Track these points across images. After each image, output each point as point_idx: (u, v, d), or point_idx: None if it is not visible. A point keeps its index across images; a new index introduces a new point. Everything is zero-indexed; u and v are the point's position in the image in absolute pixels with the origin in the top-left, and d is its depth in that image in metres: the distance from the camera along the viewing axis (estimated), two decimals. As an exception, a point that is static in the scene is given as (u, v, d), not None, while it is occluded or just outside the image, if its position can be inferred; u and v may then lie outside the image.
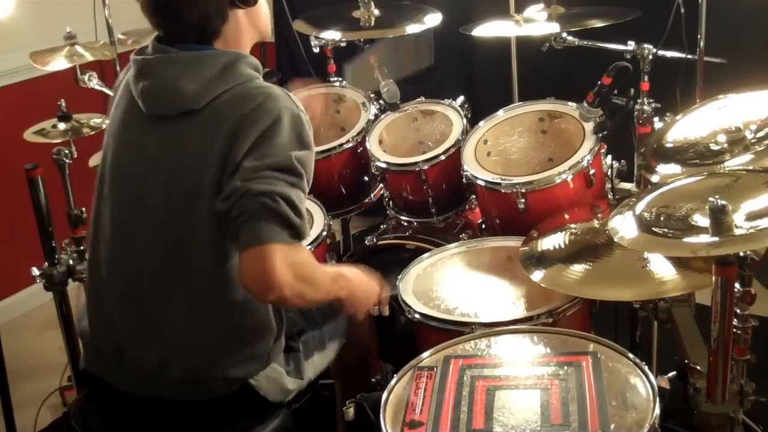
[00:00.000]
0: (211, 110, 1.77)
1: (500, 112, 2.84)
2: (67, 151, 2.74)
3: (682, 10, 2.66)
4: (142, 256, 1.84)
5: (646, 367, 1.76)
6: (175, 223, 1.80)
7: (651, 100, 2.60)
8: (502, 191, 2.54)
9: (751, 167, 2.01)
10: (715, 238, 1.66)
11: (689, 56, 2.68)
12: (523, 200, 2.48)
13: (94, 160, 3.13)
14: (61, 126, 2.96)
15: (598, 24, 2.69)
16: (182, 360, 1.83)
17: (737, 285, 1.72)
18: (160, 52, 1.84)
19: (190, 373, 1.84)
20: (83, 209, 2.70)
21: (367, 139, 2.93)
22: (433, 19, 3.14)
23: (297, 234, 1.69)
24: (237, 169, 1.71)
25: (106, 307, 1.91)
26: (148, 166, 1.83)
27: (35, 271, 2.56)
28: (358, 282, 1.98)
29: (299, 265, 1.70)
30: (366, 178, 3.03)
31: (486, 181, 2.57)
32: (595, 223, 2.29)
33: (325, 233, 2.59)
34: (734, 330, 1.75)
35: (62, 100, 2.98)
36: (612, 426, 1.61)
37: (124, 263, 1.87)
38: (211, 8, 1.81)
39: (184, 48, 1.83)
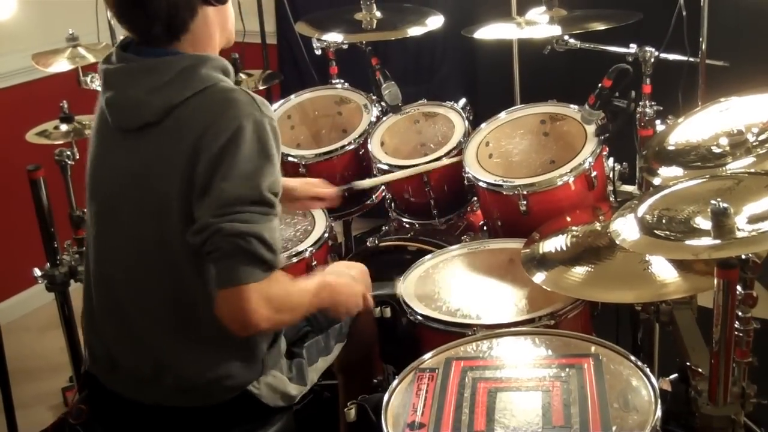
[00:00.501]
0: (172, 121, 1.73)
1: (502, 114, 2.84)
2: (69, 153, 2.75)
3: (684, 13, 2.66)
4: (118, 269, 1.84)
5: (647, 370, 1.76)
6: (146, 236, 1.78)
7: (653, 103, 2.60)
8: (504, 193, 2.54)
9: (753, 170, 2.01)
10: (717, 241, 1.66)
11: (691, 59, 2.68)
12: (524, 202, 2.48)
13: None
14: (63, 127, 2.96)
15: (600, 27, 2.69)
16: (174, 369, 1.83)
17: (739, 288, 1.72)
18: (122, 61, 1.80)
19: (184, 381, 1.83)
20: (84, 210, 2.70)
21: (369, 141, 2.93)
22: (435, 22, 3.14)
23: (270, 268, 1.70)
24: (206, 193, 1.68)
25: (96, 317, 1.92)
26: (117, 179, 1.82)
27: (37, 272, 2.57)
28: (340, 288, 2.02)
29: (275, 298, 1.71)
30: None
31: (488, 183, 2.57)
32: (597, 226, 2.29)
33: (326, 235, 2.59)
34: (736, 332, 1.75)
35: (64, 101, 2.99)
36: (613, 428, 1.61)
37: (105, 275, 1.88)
38: (184, 6, 1.74)
39: (148, 53, 1.77)
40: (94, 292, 1.91)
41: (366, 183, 2.73)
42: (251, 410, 1.90)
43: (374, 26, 3.20)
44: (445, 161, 2.71)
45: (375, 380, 2.46)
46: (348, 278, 2.11)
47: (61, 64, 3.03)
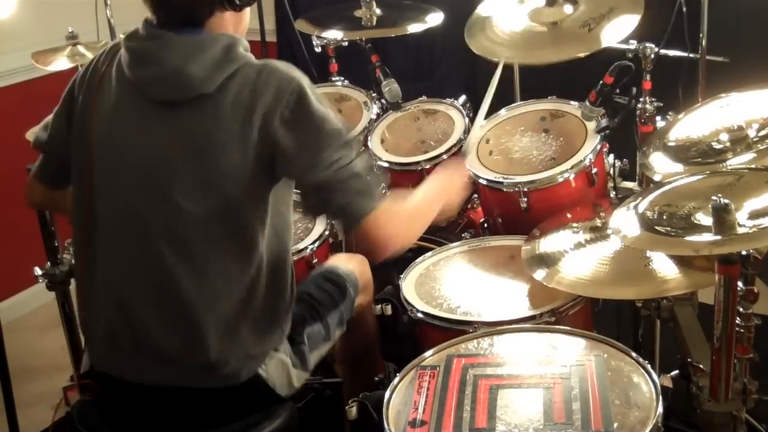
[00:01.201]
0: (226, 94, 1.78)
1: (502, 111, 2.84)
2: (69, 151, 2.74)
3: (684, 9, 2.66)
4: (159, 240, 1.82)
5: (648, 366, 1.76)
6: (193, 207, 1.79)
7: (653, 99, 2.60)
8: (505, 190, 2.54)
9: (753, 165, 2.01)
10: (718, 237, 1.66)
11: (691, 55, 2.67)
12: (525, 199, 2.48)
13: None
14: (63, 126, 2.95)
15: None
16: (203, 345, 1.82)
17: (740, 284, 1.72)
18: (155, 38, 1.82)
19: (216, 357, 1.83)
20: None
21: (369, 138, 2.93)
22: (435, 18, 3.14)
23: (380, 194, 1.87)
24: (297, 151, 1.79)
25: (127, 296, 1.87)
26: (163, 152, 1.80)
27: (38, 271, 2.56)
28: (450, 188, 2.24)
29: (394, 216, 1.89)
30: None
31: (488, 180, 2.57)
32: (598, 222, 2.29)
33: (327, 233, 2.59)
34: (737, 329, 1.75)
35: (64, 100, 2.98)
36: (615, 425, 1.61)
37: (140, 249, 1.84)
38: (204, 3, 1.81)
39: (177, 32, 1.81)
40: (117, 270, 1.87)
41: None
42: (258, 397, 1.91)
43: (374, 23, 3.20)
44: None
45: (376, 378, 2.46)
46: (450, 178, 2.28)
47: (61, 63, 3.03)
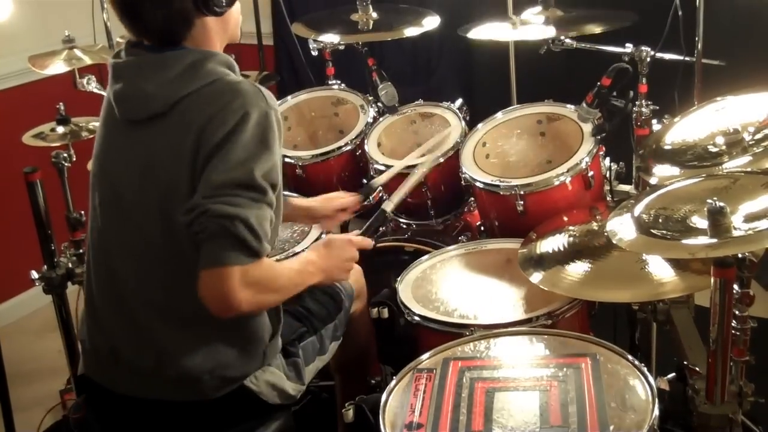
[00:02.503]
0: (179, 112, 1.76)
1: (499, 115, 2.84)
2: (65, 155, 2.75)
3: (680, 13, 2.67)
4: (121, 258, 1.86)
5: (645, 369, 1.76)
6: (151, 226, 1.80)
7: (649, 102, 2.60)
8: (501, 193, 2.54)
9: (749, 169, 2.01)
10: (714, 240, 1.66)
11: (687, 58, 2.68)
12: (521, 202, 2.49)
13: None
14: (60, 129, 2.96)
15: (596, 27, 2.70)
16: (176, 359, 1.83)
17: (736, 286, 1.72)
18: (132, 56, 1.84)
19: (186, 373, 1.83)
20: (82, 212, 2.70)
21: (365, 141, 2.93)
22: (432, 22, 3.15)
23: (255, 254, 1.70)
24: (202, 173, 1.71)
25: (98, 309, 1.92)
26: (123, 170, 1.84)
27: (34, 275, 2.56)
28: (324, 258, 2.00)
29: (257, 280, 1.72)
30: (365, 181, 3.03)
31: (485, 183, 2.57)
32: (594, 225, 2.29)
33: (323, 236, 2.59)
34: (733, 331, 1.75)
35: (61, 103, 2.99)
36: (611, 427, 1.61)
37: (108, 265, 1.89)
38: (176, 14, 1.78)
39: (155, 50, 1.81)
40: (95, 286, 1.92)
41: (381, 178, 2.60)
42: (250, 407, 1.90)
43: (370, 27, 3.20)
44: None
45: (373, 381, 2.46)
46: (329, 241, 2.07)
47: (58, 66, 3.03)
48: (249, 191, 1.69)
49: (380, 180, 2.60)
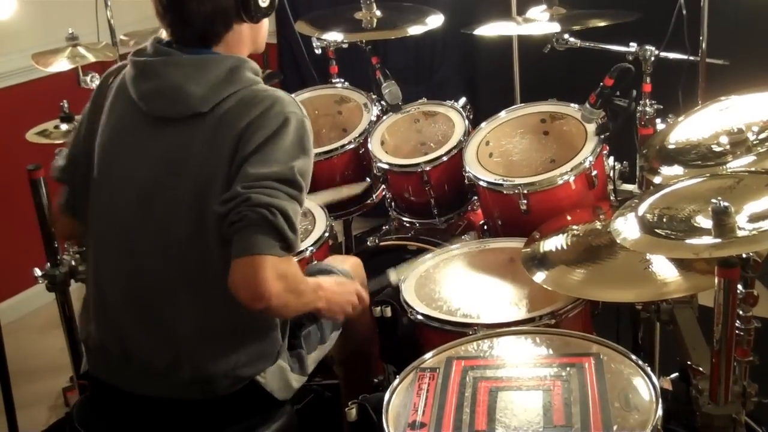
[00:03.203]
0: (219, 113, 1.79)
1: (502, 114, 2.84)
2: (69, 152, 2.74)
3: (684, 12, 2.66)
4: (146, 258, 1.84)
5: (648, 369, 1.76)
6: (179, 224, 1.80)
7: (653, 102, 2.60)
8: (504, 192, 2.54)
9: (753, 169, 2.01)
10: (718, 240, 1.66)
11: (691, 58, 2.68)
12: (525, 201, 2.48)
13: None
14: (63, 127, 2.96)
15: (600, 25, 2.69)
16: (193, 361, 1.83)
17: (740, 287, 1.72)
18: (163, 54, 1.85)
19: (202, 373, 1.84)
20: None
21: (369, 140, 2.93)
22: (435, 21, 3.14)
23: (289, 247, 1.73)
24: (239, 171, 1.73)
25: (110, 309, 1.91)
26: (153, 169, 1.83)
27: (37, 272, 2.56)
28: (333, 291, 2.01)
29: (288, 276, 1.74)
30: (368, 180, 3.03)
31: (488, 182, 2.57)
32: (598, 225, 2.29)
33: (327, 234, 2.59)
34: (737, 331, 1.75)
35: (64, 101, 2.99)
36: (614, 427, 1.61)
37: (128, 265, 1.87)
38: (218, 15, 1.82)
39: (187, 51, 1.84)
40: (107, 286, 1.90)
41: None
42: (256, 403, 1.91)
43: (374, 25, 3.20)
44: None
45: (376, 380, 2.46)
46: (340, 280, 2.11)
47: (61, 64, 3.03)
48: (288, 186, 1.74)
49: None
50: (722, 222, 1.66)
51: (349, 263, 2.32)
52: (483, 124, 2.81)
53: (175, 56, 1.83)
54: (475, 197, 2.80)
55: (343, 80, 3.28)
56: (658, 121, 2.57)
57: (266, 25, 1.96)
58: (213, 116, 1.79)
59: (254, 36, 1.93)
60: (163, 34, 1.90)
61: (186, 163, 1.79)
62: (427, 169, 2.75)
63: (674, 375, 2.61)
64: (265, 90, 1.83)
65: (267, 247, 1.68)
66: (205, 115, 1.79)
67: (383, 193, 3.03)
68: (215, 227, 1.75)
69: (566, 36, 2.77)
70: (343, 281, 2.11)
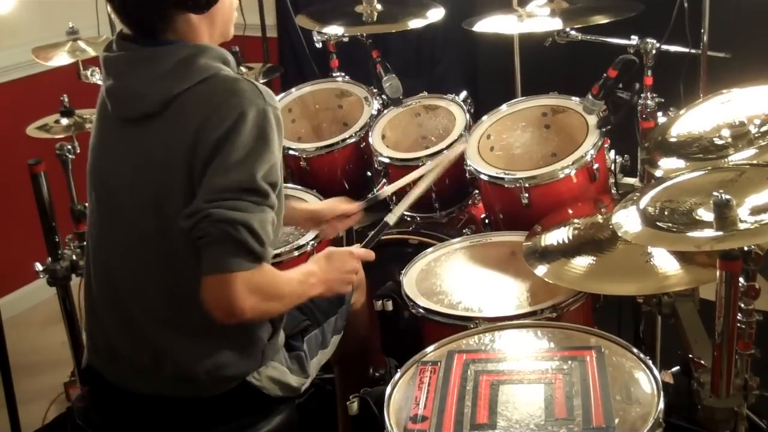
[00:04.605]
0: (174, 110, 1.72)
1: (503, 107, 2.83)
2: (69, 147, 2.75)
3: (686, 5, 2.66)
4: (115, 258, 1.85)
5: (650, 362, 1.76)
6: (144, 225, 1.78)
7: (654, 95, 2.60)
8: (506, 186, 2.53)
9: (755, 161, 2.00)
10: (720, 233, 1.65)
11: (693, 51, 2.67)
12: (526, 195, 2.48)
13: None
14: (64, 121, 2.96)
15: (602, 19, 2.69)
16: (172, 358, 1.82)
17: (741, 279, 1.71)
18: (122, 50, 1.80)
19: (184, 372, 1.83)
20: (86, 204, 2.70)
21: (369, 134, 2.93)
22: (436, 14, 3.13)
23: (257, 259, 1.68)
24: (201, 179, 1.68)
25: (97, 308, 1.92)
26: (117, 168, 1.82)
27: (38, 267, 2.56)
28: (325, 271, 1.96)
29: (262, 287, 1.71)
30: (369, 174, 3.03)
31: (489, 175, 2.57)
32: (599, 218, 2.29)
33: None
34: (738, 324, 1.75)
35: (65, 95, 2.99)
36: (616, 420, 1.61)
37: (104, 265, 1.88)
38: (149, 5, 1.74)
39: (146, 43, 1.77)
40: (94, 283, 1.92)
41: (387, 190, 2.60)
42: (253, 402, 1.90)
43: (375, 19, 3.19)
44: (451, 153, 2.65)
45: (377, 374, 2.46)
46: (329, 252, 2.03)
47: (62, 58, 3.03)
48: (251, 195, 1.67)
49: (386, 192, 2.59)
50: (724, 215, 1.66)
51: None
52: (484, 118, 2.80)
53: (130, 51, 1.78)
54: (477, 191, 2.80)
55: (343, 74, 3.27)
56: (659, 114, 2.57)
57: (227, 14, 1.85)
58: (167, 115, 1.73)
59: (209, 26, 1.81)
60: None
61: (145, 164, 1.75)
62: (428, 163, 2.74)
63: (676, 368, 2.61)
64: (225, 81, 1.73)
65: (234, 263, 1.64)
66: (160, 115, 1.73)
67: (384, 187, 3.02)
68: (179, 231, 1.70)
69: (567, 29, 2.76)
70: (332, 251, 2.02)
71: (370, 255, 2.12)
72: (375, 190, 2.99)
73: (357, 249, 2.10)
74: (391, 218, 2.32)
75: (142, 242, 1.80)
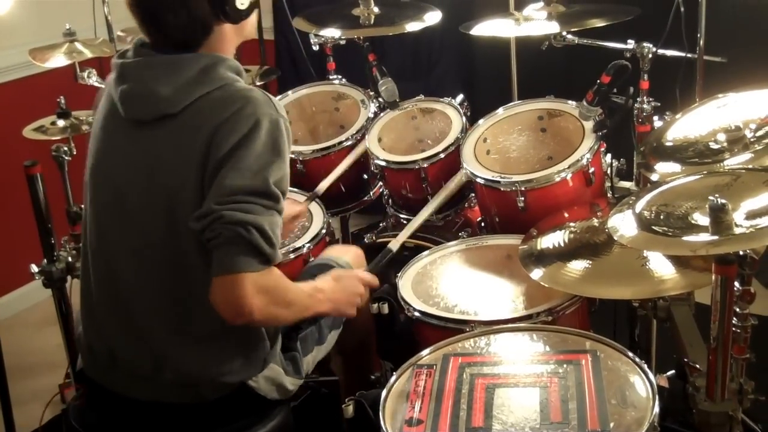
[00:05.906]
0: (189, 114, 1.76)
1: (500, 111, 2.83)
2: (66, 148, 2.75)
3: (682, 9, 2.66)
4: (122, 261, 1.85)
5: (645, 366, 1.76)
6: (154, 228, 1.79)
7: (651, 99, 2.60)
8: (502, 189, 2.53)
9: (750, 166, 2.01)
10: (715, 237, 1.66)
11: (689, 55, 2.68)
12: (522, 198, 2.48)
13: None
14: (61, 123, 2.96)
15: (598, 23, 2.69)
16: (173, 364, 1.83)
17: (737, 284, 1.72)
18: (140, 56, 1.83)
19: (185, 379, 1.83)
20: (82, 206, 2.70)
21: (366, 137, 2.93)
22: (433, 17, 3.14)
23: (267, 261, 1.71)
24: (213, 181, 1.71)
25: (96, 311, 1.92)
26: (127, 171, 1.83)
27: (34, 268, 2.55)
28: (334, 290, 2.00)
29: (271, 290, 1.74)
30: (365, 176, 3.03)
31: (485, 179, 2.57)
32: (595, 222, 2.29)
33: (324, 231, 2.59)
34: (734, 329, 1.75)
35: (61, 97, 2.98)
36: (611, 424, 1.61)
37: (107, 268, 1.88)
38: (196, 21, 1.79)
39: (167, 51, 1.81)
40: (94, 287, 1.91)
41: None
42: (249, 404, 1.90)
43: (372, 22, 3.19)
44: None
45: (373, 376, 2.46)
46: (339, 273, 2.09)
47: (58, 60, 3.03)
48: (262, 198, 1.71)
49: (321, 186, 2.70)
50: (719, 219, 1.66)
51: (351, 254, 2.32)
52: (480, 121, 2.80)
53: (150, 58, 1.81)
54: (473, 194, 2.80)
55: (340, 77, 3.28)
56: (655, 118, 2.57)
57: (252, 21, 1.91)
58: (183, 118, 1.76)
59: (238, 34, 1.89)
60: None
61: (158, 166, 1.78)
62: (425, 166, 2.74)
63: (671, 372, 2.61)
64: (239, 90, 1.78)
65: (245, 264, 1.68)
66: (176, 117, 1.76)
67: (380, 189, 3.03)
68: (189, 234, 1.73)
69: (564, 33, 2.76)
70: (341, 274, 2.09)
71: (375, 281, 2.18)
72: (371, 175, 3.00)
73: (363, 273, 2.15)
74: (394, 245, 2.41)
75: (150, 245, 1.80)
